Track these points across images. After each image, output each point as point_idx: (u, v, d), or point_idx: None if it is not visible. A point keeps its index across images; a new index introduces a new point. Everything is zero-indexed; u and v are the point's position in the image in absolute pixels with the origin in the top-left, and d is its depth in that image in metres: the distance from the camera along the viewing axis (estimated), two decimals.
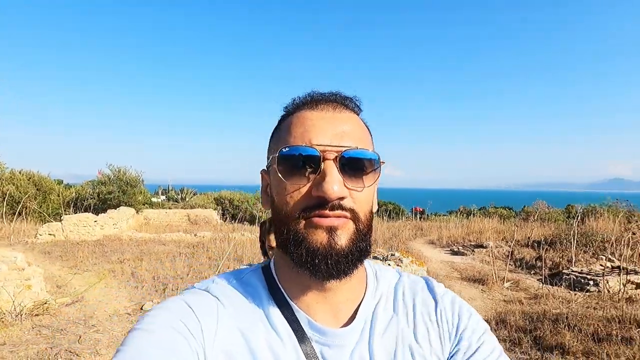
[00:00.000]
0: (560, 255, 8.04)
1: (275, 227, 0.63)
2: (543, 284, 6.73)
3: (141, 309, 4.87)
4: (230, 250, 7.63)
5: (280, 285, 0.63)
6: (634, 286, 6.44)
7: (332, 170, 0.57)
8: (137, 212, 15.00)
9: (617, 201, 21.48)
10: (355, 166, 0.59)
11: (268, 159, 0.66)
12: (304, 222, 0.57)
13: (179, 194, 23.39)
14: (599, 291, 6.20)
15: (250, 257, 8.03)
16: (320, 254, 0.56)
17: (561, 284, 6.65)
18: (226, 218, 19.00)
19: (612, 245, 8.42)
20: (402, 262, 5.93)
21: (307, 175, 0.58)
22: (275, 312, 0.61)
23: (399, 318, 0.64)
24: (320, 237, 0.57)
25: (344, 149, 0.58)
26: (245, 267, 0.69)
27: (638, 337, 3.87)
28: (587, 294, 6.13)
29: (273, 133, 0.67)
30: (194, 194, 22.37)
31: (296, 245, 0.57)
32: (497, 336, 3.05)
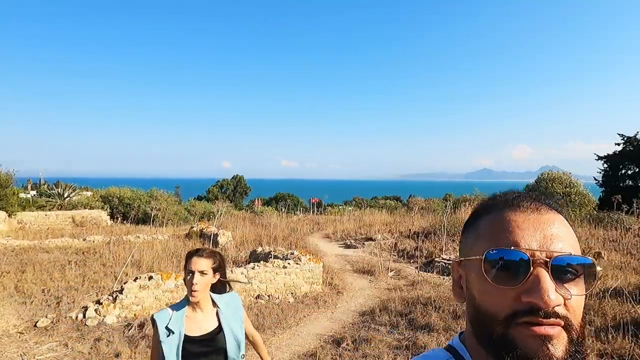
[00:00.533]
0: (434, 245, 9.36)
1: (475, 326, 0.62)
2: (419, 271, 7.85)
3: (35, 325, 4.65)
4: (129, 256, 7.43)
5: None
6: None
7: (544, 276, 0.56)
8: (9, 216, 13.38)
9: (479, 192, 25.08)
10: (568, 272, 0.57)
11: (463, 252, 0.67)
12: (514, 327, 0.56)
13: (53, 189, 20.85)
14: None
15: (149, 263, 7.90)
16: None
17: (434, 271, 7.84)
18: (117, 218, 17.82)
19: None
20: (300, 261, 6.48)
21: (515, 279, 0.57)
22: None
23: None
24: (534, 346, 0.55)
25: (555, 254, 0.57)
26: (432, 350, 0.71)
27: None
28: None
29: (468, 228, 0.68)
30: (73, 190, 19.89)
31: (506, 351, 0.56)
32: (379, 321, 3.75)
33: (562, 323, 0.56)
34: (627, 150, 24.66)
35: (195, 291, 1.82)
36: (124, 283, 5.17)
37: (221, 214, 15.36)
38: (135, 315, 4.95)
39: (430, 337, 4.28)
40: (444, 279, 7.24)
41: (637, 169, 24.87)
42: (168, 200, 19.66)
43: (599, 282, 0.91)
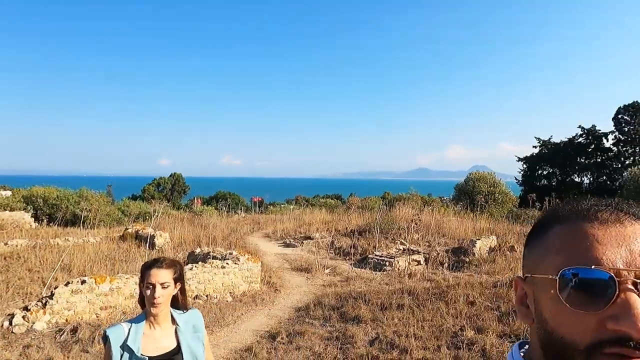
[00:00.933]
0: (368, 242, 9.89)
1: (548, 354, 0.57)
2: (354, 267, 8.30)
3: None
4: (59, 261, 7.14)
5: None
6: (416, 263, 8.50)
7: (635, 300, 0.50)
8: None
9: (415, 190, 26.38)
10: None
11: (528, 267, 0.61)
12: (599, 358, 0.50)
13: None
14: (392, 270, 8.01)
15: (80, 267, 7.64)
16: None
17: (367, 267, 8.32)
18: (42, 220, 16.69)
19: (405, 231, 10.72)
20: (239, 260, 6.64)
21: (598, 303, 0.51)
22: None
23: None
24: None
25: None
26: None
27: (407, 303, 5.40)
28: (384, 272, 7.87)
29: (533, 239, 0.62)
30: None
31: None
32: (313, 315, 4.07)
33: None
34: (543, 152, 27.28)
35: (158, 304, 1.73)
36: (54, 288, 5.04)
37: (158, 214, 14.97)
38: (67, 320, 4.86)
39: (358, 328, 4.67)
40: (375, 274, 7.73)
41: (551, 170, 27.68)
42: (100, 201, 18.74)
43: None
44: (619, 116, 24.83)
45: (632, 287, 0.50)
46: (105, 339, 1.70)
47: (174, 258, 1.95)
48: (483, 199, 21.75)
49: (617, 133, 24.96)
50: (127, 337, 1.71)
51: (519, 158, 28.61)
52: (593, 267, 0.51)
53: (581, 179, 26.75)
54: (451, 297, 5.62)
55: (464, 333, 4.44)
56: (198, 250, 8.05)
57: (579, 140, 26.11)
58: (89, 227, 14.47)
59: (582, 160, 26.25)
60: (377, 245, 9.51)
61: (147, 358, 1.71)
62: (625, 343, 0.49)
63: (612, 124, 25.22)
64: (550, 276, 0.54)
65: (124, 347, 1.69)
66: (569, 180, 26.80)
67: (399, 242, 9.93)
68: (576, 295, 0.52)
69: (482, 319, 4.80)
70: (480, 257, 9.00)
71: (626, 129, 24.61)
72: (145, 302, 1.75)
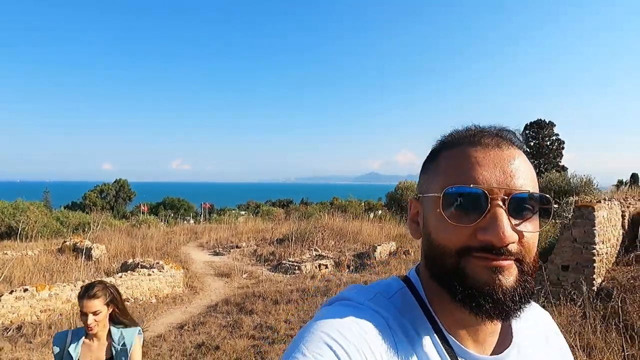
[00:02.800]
0: (285, 249, 11.42)
1: (428, 260, 0.63)
2: (269, 272, 9.77)
3: None
4: (0, 273, 8.04)
5: (433, 311, 0.64)
6: (324, 267, 10.11)
7: (501, 214, 0.56)
8: None
9: (353, 197, 28.35)
10: (525, 209, 0.58)
11: (421, 188, 0.66)
12: (466, 259, 0.57)
13: None
14: (300, 273, 9.57)
15: (20, 278, 8.53)
16: (484, 292, 0.56)
17: (280, 271, 9.82)
18: None
19: (320, 238, 12.36)
20: (163, 269, 7.92)
21: (472, 217, 0.57)
22: (435, 341, 0.62)
23: (549, 350, 0.70)
24: (485, 275, 0.56)
25: (514, 190, 0.57)
26: (377, 281, 0.70)
27: (294, 298, 6.94)
28: (293, 275, 9.40)
29: (427, 164, 0.67)
30: None
31: (458, 281, 0.57)
32: (219, 310, 5.67)
33: (514, 258, 0.57)
34: None
35: (91, 330, 1.98)
36: (0, 296, 6.11)
37: (97, 226, 15.69)
38: (11, 321, 5.95)
39: (250, 318, 6.14)
40: (285, 277, 9.25)
41: None
42: (37, 212, 18.92)
43: (551, 219, 0.69)
44: (525, 132, 28.21)
45: (501, 203, 0.56)
46: (53, 342, 2.04)
47: (105, 282, 2.16)
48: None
49: (524, 147, 28.40)
50: (70, 344, 1.97)
51: None
52: (472, 185, 0.56)
53: None
54: (333, 293, 7.22)
55: None
56: (130, 260, 9.19)
57: None
58: (26, 239, 14.89)
59: None
60: (292, 252, 11.06)
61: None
62: (489, 250, 0.56)
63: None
64: (436, 194, 0.60)
65: (66, 352, 1.96)
66: None
67: (313, 249, 11.54)
68: (455, 211, 0.57)
69: None
70: (380, 260, 10.78)
71: (532, 143, 28.03)
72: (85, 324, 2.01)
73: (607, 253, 6.01)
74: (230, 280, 9.00)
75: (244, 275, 9.34)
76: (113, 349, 2.03)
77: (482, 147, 0.60)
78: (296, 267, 9.71)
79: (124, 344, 2.04)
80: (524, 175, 0.59)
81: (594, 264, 5.58)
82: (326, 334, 0.56)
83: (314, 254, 11.04)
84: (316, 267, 9.92)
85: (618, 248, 6.59)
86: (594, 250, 5.58)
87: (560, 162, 27.45)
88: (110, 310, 2.06)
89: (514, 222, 0.57)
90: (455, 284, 0.58)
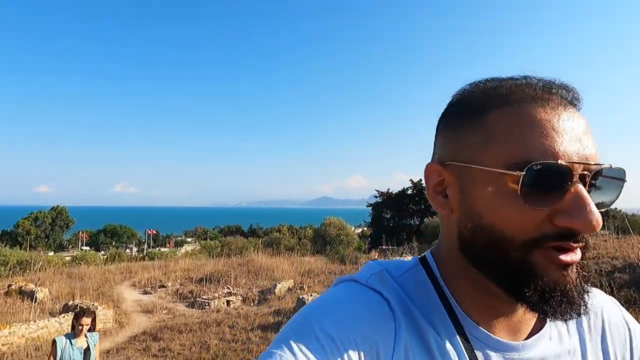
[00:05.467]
0: (202, 287, 14.12)
1: (473, 246, 0.51)
2: (186, 308, 12.44)
3: None
4: None
5: (450, 295, 0.54)
6: (232, 302, 12.91)
7: (586, 194, 0.45)
8: None
9: (286, 224, 31.38)
10: (606, 187, 0.48)
11: (453, 155, 0.52)
12: (537, 253, 0.47)
13: None
14: (209, 308, 12.32)
15: None
16: (557, 293, 0.47)
17: (195, 307, 12.52)
18: None
19: (234, 277, 15.18)
20: (97, 308, 10.46)
21: (552, 198, 0.45)
22: (446, 323, 0.53)
23: (589, 340, 0.58)
24: (557, 274, 0.47)
25: (592, 165, 0.46)
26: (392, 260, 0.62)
27: (195, 328, 9.73)
28: (204, 310, 12.13)
29: (458, 121, 0.53)
30: None
31: (524, 279, 0.47)
32: (137, 339, 8.75)
33: (584, 244, 0.48)
34: (384, 201, 34.34)
35: (82, 334, 3.88)
36: None
37: (38, 266, 17.55)
38: None
39: (157, 343, 8.85)
40: (196, 311, 11.97)
41: (391, 214, 34.71)
42: None
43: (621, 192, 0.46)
44: None
45: (582, 182, 0.45)
46: (54, 342, 3.82)
47: (90, 309, 5.03)
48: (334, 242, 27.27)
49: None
50: (68, 340, 3.87)
51: (368, 204, 35.44)
52: (559, 161, 0.44)
53: (413, 221, 34.17)
54: (226, 323, 10.08)
55: (216, 343, 8.88)
56: (71, 302, 11.55)
57: (408, 191, 33.59)
58: None
59: (412, 207, 33.68)
60: (208, 290, 13.81)
61: (79, 347, 3.86)
62: (568, 237, 0.46)
63: None
64: (499, 170, 0.46)
65: (67, 343, 3.82)
66: (404, 222, 34.04)
67: (226, 287, 14.34)
68: (531, 191, 0.45)
69: (225, 334, 9.32)
70: (279, 295, 13.76)
71: None
72: (75, 330, 3.94)
73: None
74: (152, 316, 11.58)
75: (164, 312, 11.95)
76: (88, 343, 3.96)
77: (551, 107, 0.47)
78: (206, 304, 12.45)
79: (93, 341, 4.03)
80: (595, 144, 0.48)
81: None
82: (318, 323, 0.50)
83: (225, 292, 13.83)
84: (224, 303, 12.72)
85: None
86: None
87: None
88: (90, 325, 4.03)
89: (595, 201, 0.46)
90: (520, 282, 0.47)
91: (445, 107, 0.57)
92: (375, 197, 34.57)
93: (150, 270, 18.00)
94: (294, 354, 0.47)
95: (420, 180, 33.56)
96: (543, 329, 0.56)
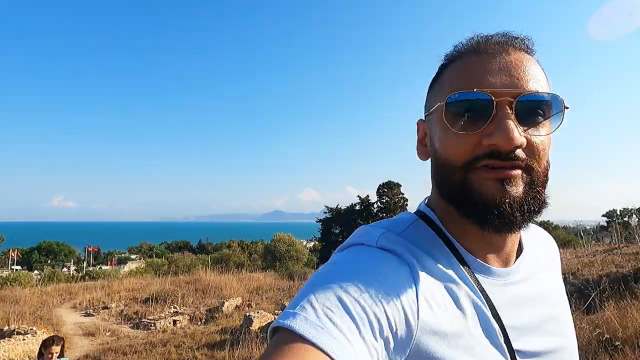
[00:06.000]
0: (147, 308, 14.00)
1: (437, 178, 0.62)
2: (131, 329, 12.32)
3: None
4: None
5: (450, 236, 0.62)
6: (179, 322, 12.93)
7: (506, 116, 0.53)
8: None
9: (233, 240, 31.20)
10: (533, 111, 0.55)
11: (427, 107, 0.64)
12: (473, 172, 0.55)
13: None
14: (155, 329, 12.30)
15: None
16: (492, 206, 0.54)
17: (140, 328, 12.43)
18: None
19: (182, 295, 15.15)
20: (36, 333, 10.21)
21: (477, 123, 0.54)
22: (455, 264, 0.59)
23: (545, 257, 0.71)
24: (493, 188, 0.54)
25: (519, 92, 0.54)
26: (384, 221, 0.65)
27: (140, 349, 9.77)
28: (149, 331, 12.08)
29: (433, 83, 0.65)
30: None
31: (464, 197, 0.56)
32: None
33: (523, 165, 0.54)
34: (333, 216, 35.23)
35: (52, 358, 3.94)
36: None
37: None
38: None
39: None
40: (142, 332, 11.91)
41: (340, 229, 35.61)
42: None
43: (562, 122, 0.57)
44: (380, 190, 34.20)
45: (507, 106, 0.53)
46: None
47: (59, 336, 4.43)
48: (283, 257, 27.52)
49: (379, 202, 34.25)
50: None
51: (318, 219, 36.15)
52: (475, 90, 0.53)
53: None
54: (172, 343, 10.19)
55: None
56: (6, 327, 11.12)
57: (356, 207, 34.73)
58: None
59: (360, 222, 34.79)
60: (154, 310, 13.73)
61: None
62: (496, 155, 0.53)
63: (376, 195, 34.53)
64: (439, 104, 0.58)
65: None
66: None
67: (172, 306, 14.30)
68: (459, 118, 0.55)
69: (171, 354, 9.46)
70: (226, 313, 13.92)
71: (384, 200, 33.99)
72: (45, 359, 3.96)
73: None
74: (95, 339, 11.40)
75: (107, 334, 11.79)
76: None
77: (488, 54, 0.57)
78: (152, 324, 12.41)
79: None
80: (533, 78, 0.55)
81: None
82: (338, 285, 0.51)
83: (172, 311, 13.81)
84: (170, 323, 12.72)
85: None
86: None
87: None
88: (59, 351, 4.08)
89: (523, 127, 0.54)
90: (462, 199, 0.56)
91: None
92: (325, 212, 35.38)
93: (92, 290, 17.43)
94: (317, 316, 0.47)
95: (368, 196, 34.95)
96: (521, 254, 0.66)
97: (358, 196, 34.96)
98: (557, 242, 0.80)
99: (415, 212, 0.68)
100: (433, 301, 0.54)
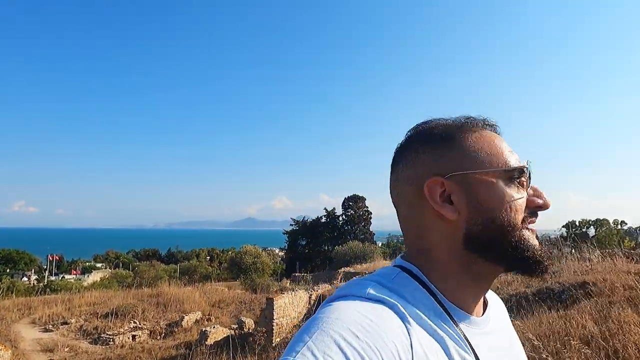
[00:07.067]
0: (106, 323, 14.35)
1: (479, 240, 0.65)
2: (90, 344, 12.68)
3: None
4: None
5: (433, 287, 0.66)
6: (138, 337, 13.35)
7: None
8: None
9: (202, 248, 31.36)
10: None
11: (448, 168, 0.66)
12: (523, 229, 0.65)
13: None
14: (113, 344, 12.69)
15: None
16: (538, 257, 0.65)
17: (99, 343, 12.80)
18: None
19: (142, 310, 15.56)
20: None
21: (521, 188, 0.66)
22: (442, 316, 0.63)
23: (504, 318, 0.78)
24: (535, 243, 0.65)
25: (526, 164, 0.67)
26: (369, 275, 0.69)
27: None
28: (108, 346, 12.47)
29: (440, 142, 0.68)
30: None
31: (523, 251, 0.64)
32: None
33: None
34: (299, 228, 35.94)
35: None
36: None
37: None
38: None
39: None
40: (101, 347, 12.30)
41: (307, 241, 36.29)
42: None
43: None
44: (345, 203, 35.20)
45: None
46: None
47: None
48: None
49: (344, 215, 35.21)
50: None
51: (285, 231, 36.75)
52: (519, 162, 0.66)
53: (327, 248, 36.05)
54: (130, 358, 10.69)
55: None
56: None
57: (322, 219, 35.58)
58: None
59: (327, 234, 35.61)
60: (113, 325, 14.11)
61: None
62: (536, 214, 0.67)
63: (342, 209, 35.51)
64: (505, 169, 0.65)
65: None
66: (318, 249, 35.79)
67: (132, 321, 14.70)
68: (512, 183, 0.65)
69: None
70: (185, 327, 14.42)
71: (349, 213, 34.99)
72: None
73: (286, 323, 10.79)
74: (54, 355, 11.72)
75: (66, 349, 12.12)
76: None
77: (493, 130, 0.70)
78: (111, 339, 12.80)
79: None
80: None
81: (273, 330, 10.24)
82: (337, 332, 0.52)
83: (132, 326, 14.22)
84: (129, 338, 13.14)
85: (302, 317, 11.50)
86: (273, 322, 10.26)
87: (370, 228, 34.82)
88: None
89: None
90: (515, 254, 0.63)
91: (405, 138, 0.72)
92: (291, 224, 36.05)
93: (52, 305, 17.45)
94: None
95: (334, 209, 35.86)
96: (487, 308, 0.72)
97: (325, 209, 35.86)
98: None
99: (395, 266, 0.70)
100: (426, 350, 0.57)
